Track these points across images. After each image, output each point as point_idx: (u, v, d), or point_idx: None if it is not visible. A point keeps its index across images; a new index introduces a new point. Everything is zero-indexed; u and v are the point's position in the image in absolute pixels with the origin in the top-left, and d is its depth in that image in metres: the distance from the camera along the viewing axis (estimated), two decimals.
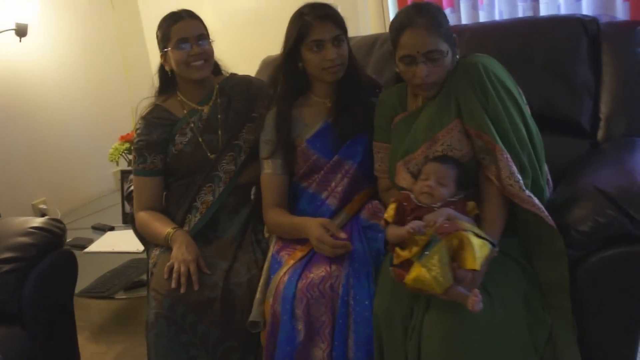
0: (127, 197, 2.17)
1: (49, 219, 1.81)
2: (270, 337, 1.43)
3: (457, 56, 1.44)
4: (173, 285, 1.49)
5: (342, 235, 1.44)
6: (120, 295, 2.08)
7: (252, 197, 1.75)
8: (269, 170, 1.65)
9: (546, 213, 1.29)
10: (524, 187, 1.30)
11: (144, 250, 2.03)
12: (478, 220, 1.33)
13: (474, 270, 1.17)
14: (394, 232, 1.30)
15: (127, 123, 3.20)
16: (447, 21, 1.42)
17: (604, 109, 1.71)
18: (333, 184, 1.61)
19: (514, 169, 1.31)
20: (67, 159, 3.27)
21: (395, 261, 1.28)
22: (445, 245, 1.19)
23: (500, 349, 1.21)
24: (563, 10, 2.29)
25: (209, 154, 1.73)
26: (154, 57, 3.34)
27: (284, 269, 1.48)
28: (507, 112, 1.36)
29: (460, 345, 1.19)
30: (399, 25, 1.39)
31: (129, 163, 2.48)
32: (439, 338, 1.21)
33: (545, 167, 1.44)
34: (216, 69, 1.82)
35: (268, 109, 1.66)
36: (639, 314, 1.32)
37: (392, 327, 1.30)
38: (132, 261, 2.28)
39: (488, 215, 1.35)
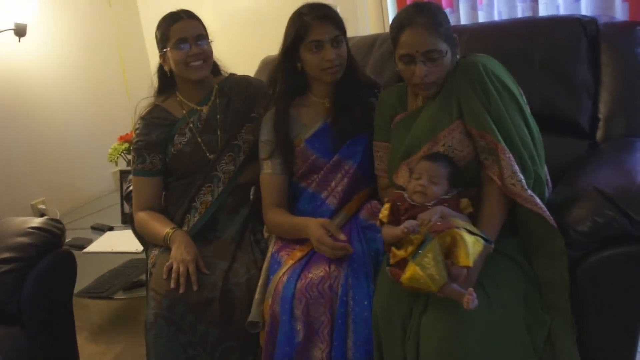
0: (126, 197, 2.17)
1: (48, 219, 1.81)
2: (269, 337, 1.42)
3: (458, 56, 1.44)
4: (172, 285, 1.49)
5: (342, 237, 1.44)
6: (119, 295, 2.08)
7: (251, 197, 1.75)
8: (269, 170, 1.65)
9: (548, 213, 1.30)
10: (526, 187, 1.31)
11: (143, 251, 2.02)
12: (473, 218, 1.34)
13: (468, 266, 1.17)
14: (389, 232, 1.30)
15: (127, 123, 3.20)
16: (448, 21, 1.42)
17: (603, 109, 1.71)
18: (333, 184, 1.61)
19: (516, 168, 1.31)
20: (66, 159, 3.26)
21: (392, 261, 1.28)
22: (438, 243, 1.19)
23: (498, 349, 1.21)
24: (562, 11, 2.29)
25: (208, 154, 1.73)
26: (153, 57, 3.35)
27: (283, 269, 1.48)
28: (509, 112, 1.36)
29: (459, 345, 1.19)
30: (399, 24, 1.39)
31: (128, 163, 2.47)
32: (437, 338, 1.21)
33: (545, 167, 1.44)
34: (215, 69, 1.82)
35: (267, 109, 1.66)
36: (638, 314, 1.32)
37: (391, 327, 1.30)
38: (131, 261, 2.28)
39: (487, 213, 1.35)
